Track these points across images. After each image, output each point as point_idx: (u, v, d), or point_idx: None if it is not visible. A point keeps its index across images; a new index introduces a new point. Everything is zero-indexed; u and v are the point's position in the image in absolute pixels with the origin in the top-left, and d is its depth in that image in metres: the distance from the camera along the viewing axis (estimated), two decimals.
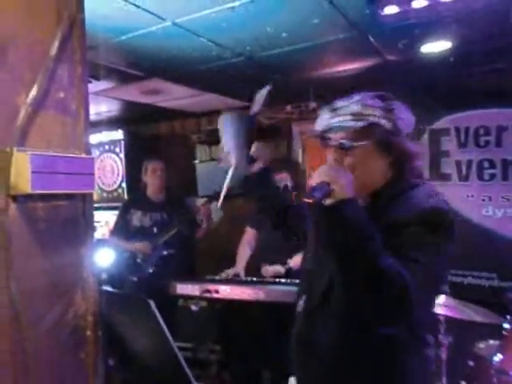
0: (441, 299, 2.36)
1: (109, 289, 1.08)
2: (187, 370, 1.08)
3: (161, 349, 1.07)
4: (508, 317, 2.12)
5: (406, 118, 1.22)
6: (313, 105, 4.14)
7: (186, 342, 3.90)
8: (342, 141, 1.15)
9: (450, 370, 2.50)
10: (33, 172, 0.85)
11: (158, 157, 3.62)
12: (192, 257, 3.85)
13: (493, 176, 3.17)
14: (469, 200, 3.27)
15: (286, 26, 2.29)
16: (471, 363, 2.47)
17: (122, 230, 3.41)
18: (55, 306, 0.94)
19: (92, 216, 1.02)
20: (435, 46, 2.54)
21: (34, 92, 0.93)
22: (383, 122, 1.14)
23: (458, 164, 3.31)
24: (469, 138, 3.26)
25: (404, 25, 2.19)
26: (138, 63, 2.86)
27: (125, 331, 1.13)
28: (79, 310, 0.98)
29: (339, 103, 1.19)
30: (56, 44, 1.00)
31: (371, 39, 2.46)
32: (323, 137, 1.20)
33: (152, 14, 2.05)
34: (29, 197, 0.87)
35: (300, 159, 4.39)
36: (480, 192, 3.22)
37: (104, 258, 3.19)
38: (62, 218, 0.95)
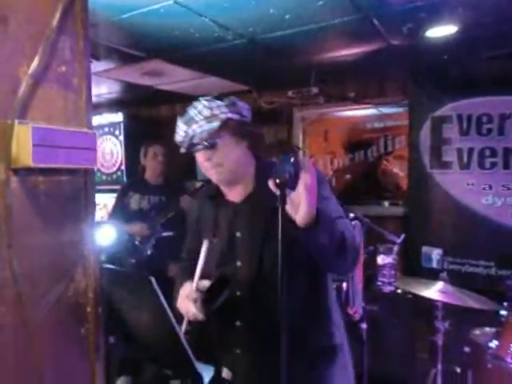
0: (438, 285, 2.37)
1: (110, 266, 1.08)
2: (188, 348, 1.09)
3: (162, 327, 1.07)
4: (505, 304, 2.14)
5: (245, 107, 1.38)
6: (314, 90, 4.11)
7: (187, 326, 3.94)
8: (205, 143, 1.29)
9: (446, 356, 2.52)
10: (34, 145, 0.84)
11: (159, 141, 3.55)
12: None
13: (494, 164, 3.17)
14: (469, 188, 3.27)
15: (289, 8, 2.25)
16: (467, 349, 2.49)
17: (121, 212, 3.41)
18: (56, 282, 0.94)
19: (93, 192, 1.01)
20: (440, 31, 2.51)
21: (35, 64, 0.92)
22: (231, 115, 1.31)
23: (460, 152, 3.30)
24: (471, 126, 3.25)
25: (409, 8, 2.16)
26: (139, 43, 2.82)
27: (126, 309, 1.13)
28: (80, 287, 0.98)
29: (190, 114, 1.32)
30: (57, 15, 0.97)
31: (376, 22, 2.43)
32: (191, 145, 1.32)
33: None
34: (30, 170, 0.86)
35: (300, 144, 4.37)
36: (480, 180, 3.21)
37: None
38: (64, 193, 0.94)
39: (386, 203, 3.92)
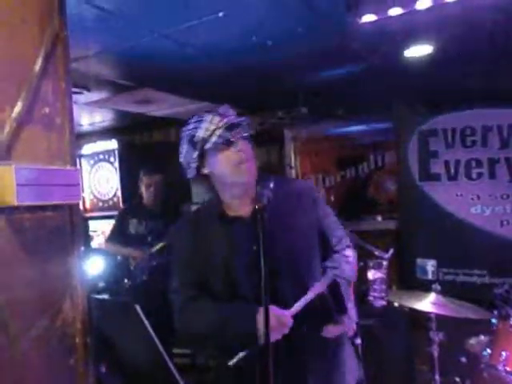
0: (431, 297, 2.39)
1: (97, 296, 1.12)
2: (176, 374, 1.12)
3: (149, 354, 1.10)
4: (495, 312, 2.16)
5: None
6: (304, 110, 4.20)
7: (185, 348, 3.94)
8: (246, 133, 1.35)
9: (443, 366, 2.53)
10: (18, 185, 0.89)
11: (153, 170, 3.54)
12: None
13: (480, 175, 3.24)
14: (458, 199, 3.32)
15: (270, 35, 2.34)
16: (464, 359, 2.50)
17: (119, 236, 3.44)
18: (43, 314, 0.98)
19: (79, 225, 1.06)
20: (417, 51, 2.59)
21: (18, 108, 0.98)
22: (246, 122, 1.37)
23: (447, 164, 3.37)
24: (456, 139, 3.32)
25: (385, 31, 2.24)
26: (128, 74, 2.91)
27: (114, 337, 1.16)
28: (68, 318, 1.02)
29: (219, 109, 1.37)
30: (40, 61, 1.04)
31: (354, 46, 2.51)
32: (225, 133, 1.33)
33: (139, 26, 2.10)
34: (15, 209, 0.91)
35: (292, 163, 4.44)
36: (468, 191, 3.27)
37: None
38: (49, 228, 0.98)
39: (379, 218, 3.96)
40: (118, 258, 3.60)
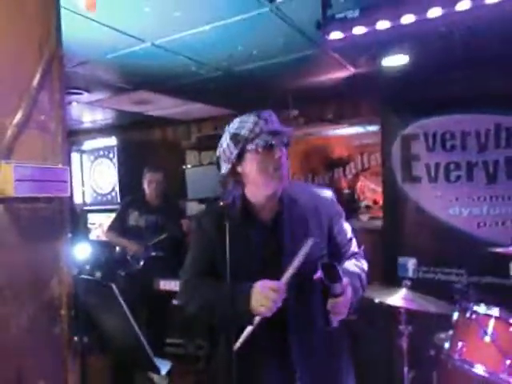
0: (401, 293, 2.57)
1: (83, 276, 1.30)
2: (146, 346, 1.30)
3: (124, 327, 1.29)
4: (457, 306, 2.33)
5: None
6: (294, 112, 4.38)
7: (178, 338, 4.13)
8: (285, 139, 1.45)
9: (412, 359, 2.70)
10: (16, 180, 1.08)
11: (156, 168, 3.75)
12: (178, 258, 4.07)
13: (459, 177, 3.40)
14: (437, 200, 3.49)
15: (255, 45, 2.52)
16: (432, 352, 2.67)
17: (119, 226, 3.65)
18: (34, 289, 1.17)
19: (68, 216, 1.25)
20: (394, 60, 2.76)
21: (18, 116, 1.16)
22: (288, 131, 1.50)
23: (428, 167, 3.53)
24: (436, 143, 3.49)
25: (361, 42, 2.42)
26: (124, 78, 3.10)
27: (96, 312, 1.35)
28: (55, 293, 1.21)
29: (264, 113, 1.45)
30: (38, 76, 1.23)
31: (334, 55, 2.69)
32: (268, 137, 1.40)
33: (132, 36, 2.28)
34: (13, 199, 1.09)
35: None
36: (447, 192, 3.44)
37: (96, 256, 3.43)
38: (42, 217, 1.17)
39: (365, 217, 4.13)
40: (117, 248, 3.80)
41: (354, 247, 1.62)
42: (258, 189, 1.43)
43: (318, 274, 1.31)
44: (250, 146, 1.37)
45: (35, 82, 1.22)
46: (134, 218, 3.64)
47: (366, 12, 1.77)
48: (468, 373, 2.02)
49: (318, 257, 1.43)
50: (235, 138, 1.39)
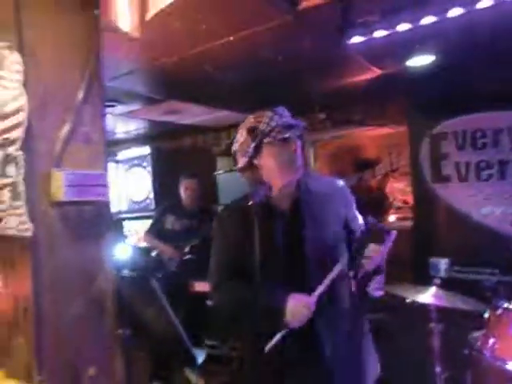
0: (431, 291, 2.57)
1: (124, 273, 1.42)
2: (185, 336, 1.40)
3: (164, 319, 1.39)
4: (488, 304, 2.31)
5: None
6: (322, 116, 4.44)
7: (213, 339, 4.23)
8: (297, 133, 1.55)
9: (446, 358, 2.68)
10: (66, 185, 1.20)
11: (191, 175, 3.90)
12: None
13: (490, 176, 3.35)
14: (469, 199, 3.45)
15: (280, 49, 2.60)
16: (466, 351, 2.65)
17: (156, 230, 3.82)
18: (83, 284, 1.29)
19: (109, 217, 1.37)
20: (420, 60, 2.78)
21: (66, 129, 1.29)
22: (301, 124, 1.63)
23: (457, 165, 3.51)
24: (466, 141, 3.46)
25: (385, 43, 2.46)
26: (155, 89, 3.26)
27: (137, 307, 1.46)
28: (101, 288, 1.32)
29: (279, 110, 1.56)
30: (81, 93, 1.36)
31: (359, 58, 2.73)
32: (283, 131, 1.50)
33: (162, 50, 2.43)
34: (63, 203, 1.22)
35: (312, 166, 4.67)
36: (479, 191, 3.40)
37: (133, 260, 3.60)
38: (87, 218, 1.30)
39: (394, 218, 4.13)
40: (153, 253, 3.97)
41: None
42: (274, 180, 1.49)
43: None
44: (266, 140, 1.44)
45: (79, 98, 1.35)
46: (170, 223, 3.81)
47: (387, 15, 1.82)
48: (501, 370, 2.01)
49: (336, 242, 1.53)
50: (252, 132, 1.46)
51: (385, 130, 4.21)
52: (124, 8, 1.03)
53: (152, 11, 0.96)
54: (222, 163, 5.28)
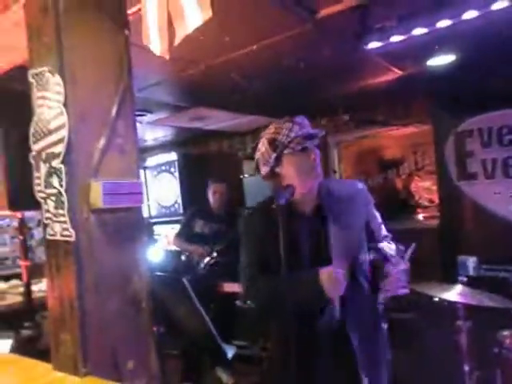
0: (457, 288, 2.58)
1: (158, 273, 1.52)
2: (215, 333, 1.49)
3: (194, 316, 1.49)
4: None
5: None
6: (345, 117, 4.48)
7: (243, 340, 4.31)
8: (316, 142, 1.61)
9: (475, 356, 2.68)
10: (103, 194, 1.32)
11: (219, 179, 3.98)
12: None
13: None
14: (496, 196, 3.42)
15: (300, 56, 2.68)
16: (496, 350, 2.64)
17: (186, 233, 3.95)
18: (121, 284, 1.40)
19: (143, 222, 1.47)
20: (441, 60, 2.80)
21: (102, 142, 1.41)
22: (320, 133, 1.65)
23: (484, 163, 3.48)
24: (492, 138, 3.43)
25: (403, 45, 2.50)
26: (182, 97, 3.39)
27: (170, 305, 1.56)
28: (137, 288, 1.43)
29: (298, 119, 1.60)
30: (115, 106, 1.47)
31: (379, 59, 2.77)
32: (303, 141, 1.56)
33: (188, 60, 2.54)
34: (102, 210, 1.33)
35: (336, 168, 4.71)
36: (507, 188, 3.36)
37: (164, 264, 3.74)
38: (124, 224, 1.41)
39: (421, 216, 4.11)
40: (183, 257, 4.09)
41: (384, 231, 1.77)
42: (297, 187, 1.55)
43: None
44: (286, 150, 1.51)
45: (113, 111, 1.46)
46: (199, 226, 3.91)
47: (403, 20, 1.87)
48: None
49: (359, 243, 1.62)
50: (273, 143, 1.53)
51: (409, 130, 4.20)
52: (154, 35, 1.12)
53: (179, 34, 1.05)
54: (247, 167, 5.37)
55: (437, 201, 4.02)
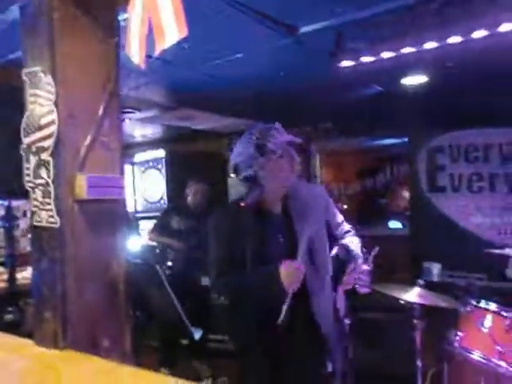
0: (416, 290, 2.77)
1: (135, 260, 1.68)
2: (184, 316, 1.65)
3: (167, 302, 1.65)
4: (461, 302, 2.53)
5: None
6: (328, 125, 4.68)
7: (220, 334, 4.44)
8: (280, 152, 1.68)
9: (426, 352, 2.88)
10: (88, 186, 1.47)
11: (200, 179, 4.12)
12: None
13: (481, 188, 3.55)
14: (461, 209, 3.65)
15: (282, 69, 2.86)
16: (445, 347, 2.84)
17: (161, 228, 4.08)
18: (101, 269, 1.55)
19: (123, 213, 1.63)
20: (413, 80, 3.00)
21: (89, 138, 1.56)
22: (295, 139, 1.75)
23: (451, 177, 3.71)
24: (460, 154, 3.66)
25: (375, 68, 2.68)
26: (170, 98, 3.55)
27: (145, 290, 1.72)
28: (115, 272, 1.59)
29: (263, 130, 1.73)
30: (102, 108, 1.63)
31: (352, 77, 2.95)
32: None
33: (175, 65, 2.70)
34: (85, 201, 1.49)
35: (317, 173, 4.90)
36: (470, 202, 3.60)
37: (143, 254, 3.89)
38: (105, 213, 1.56)
39: (394, 224, 4.33)
40: (157, 251, 4.24)
41: (346, 227, 1.94)
42: (273, 189, 1.71)
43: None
44: (273, 155, 1.64)
45: (100, 112, 1.61)
46: (176, 222, 4.05)
47: (372, 44, 2.06)
48: (467, 359, 2.24)
49: (322, 238, 1.78)
50: (262, 148, 1.65)
51: (387, 141, 4.41)
52: (135, 47, 1.28)
53: (158, 48, 1.21)
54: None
55: (409, 209, 4.24)
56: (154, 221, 4.51)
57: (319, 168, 4.97)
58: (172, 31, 1.19)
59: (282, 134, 1.72)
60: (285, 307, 1.59)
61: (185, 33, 1.17)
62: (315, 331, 1.73)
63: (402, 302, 2.75)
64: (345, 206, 4.59)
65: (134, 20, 1.31)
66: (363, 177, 4.60)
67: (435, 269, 3.79)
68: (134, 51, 1.28)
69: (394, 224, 4.30)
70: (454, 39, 1.83)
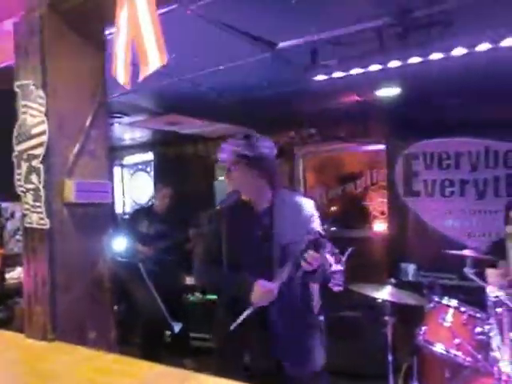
0: (387, 289, 2.95)
1: (120, 258, 1.82)
2: (164, 310, 1.80)
3: (148, 297, 1.79)
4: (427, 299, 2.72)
5: (265, 145, 1.88)
6: (311, 131, 4.85)
7: (202, 333, 4.57)
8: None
9: (396, 347, 3.05)
10: (76, 191, 1.61)
11: (168, 183, 4.25)
12: (184, 262, 4.18)
13: (452, 193, 3.75)
14: (434, 213, 3.85)
15: (264, 78, 3.02)
16: (414, 342, 3.02)
17: (130, 233, 4.09)
18: (87, 267, 1.69)
19: (109, 215, 1.77)
20: (387, 92, 3.18)
21: (77, 147, 1.71)
22: (247, 152, 1.84)
23: (425, 183, 3.91)
24: (434, 161, 3.86)
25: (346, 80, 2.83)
26: (158, 104, 3.69)
27: (129, 286, 1.87)
28: (100, 269, 1.73)
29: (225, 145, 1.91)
30: (90, 117, 1.77)
31: (329, 88, 3.13)
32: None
33: (162, 73, 2.84)
34: (73, 204, 1.63)
35: (301, 177, 5.07)
36: (442, 206, 3.79)
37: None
38: (91, 216, 1.70)
39: (372, 227, 4.51)
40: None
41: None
42: (252, 191, 1.92)
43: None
44: (254, 162, 1.82)
45: (88, 122, 1.76)
46: (144, 227, 4.06)
47: (342, 61, 2.23)
48: (432, 352, 2.42)
49: (298, 242, 1.83)
50: (243, 158, 1.82)
51: (367, 148, 4.60)
52: (120, 69, 1.42)
53: (143, 73, 1.34)
54: (219, 171, 5.66)
55: (387, 213, 4.42)
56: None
57: (302, 172, 5.14)
58: (154, 58, 1.32)
59: (264, 141, 1.88)
60: (243, 316, 1.72)
61: (165, 60, 1.31)
62: (268, 330, 1.83)
63: (376, 300, 2.93)
64: (329, 209, 4.77)
65: (119, 43, 1.45)
66: (344, 181, 4.77)
67: (410, 269, 3.98)
68: (120, 73, 1.42)
69: (375, 227, 4.48)
70: (415, 60, 2.01)
